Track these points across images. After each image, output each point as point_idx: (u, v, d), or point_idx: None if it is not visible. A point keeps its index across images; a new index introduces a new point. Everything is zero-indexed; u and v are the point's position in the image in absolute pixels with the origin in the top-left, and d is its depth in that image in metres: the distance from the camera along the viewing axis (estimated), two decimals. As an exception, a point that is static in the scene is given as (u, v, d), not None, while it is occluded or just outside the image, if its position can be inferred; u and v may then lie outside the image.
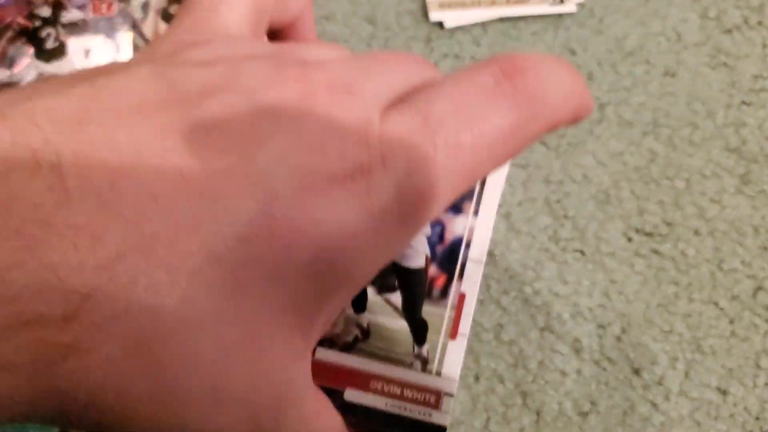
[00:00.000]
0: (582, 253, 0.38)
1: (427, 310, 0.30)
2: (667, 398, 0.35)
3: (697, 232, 0.39)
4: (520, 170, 0.39)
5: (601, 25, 0.44)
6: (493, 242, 0.37)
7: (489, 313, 0.36)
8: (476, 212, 0.31)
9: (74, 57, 0.40)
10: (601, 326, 0.36)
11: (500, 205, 0.39)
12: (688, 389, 0.36)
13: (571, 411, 0.35)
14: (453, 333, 0.30)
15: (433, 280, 0.30)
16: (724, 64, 0.43)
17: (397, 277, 0.30)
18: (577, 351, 0.36)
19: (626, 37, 0.43)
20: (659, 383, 0.36)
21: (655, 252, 0.38)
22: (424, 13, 0.43)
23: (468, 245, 0.30)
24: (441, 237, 0.30)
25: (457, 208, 0.31)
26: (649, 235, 0.38)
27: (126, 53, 0.40)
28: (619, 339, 0.36)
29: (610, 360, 0.36)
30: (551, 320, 0.36)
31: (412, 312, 0.30)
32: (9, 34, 0.41)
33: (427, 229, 0.30)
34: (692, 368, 0.36)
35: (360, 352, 0.29)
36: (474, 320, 0.35)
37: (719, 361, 0.36)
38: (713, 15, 0.44)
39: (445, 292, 0.30)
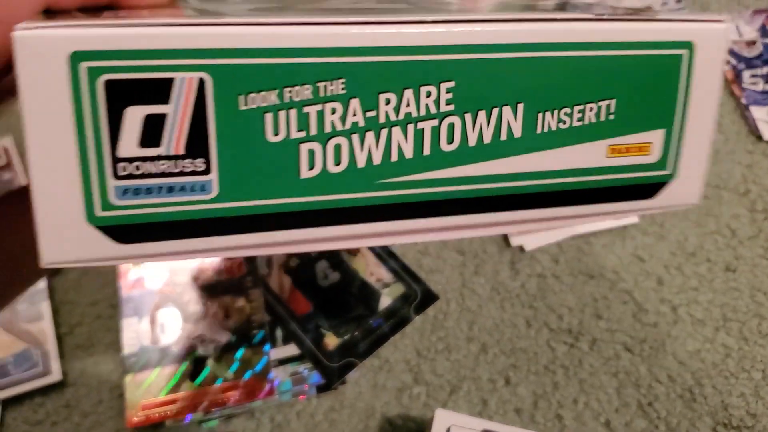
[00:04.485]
0: (679, 452, 0.43)
1: None
2: None
3: (779, 421, 0.43)
4: (612, 378, 0.45)
5: (662, 230, 0.50)
6: (598, 451, 0.42)
7: None
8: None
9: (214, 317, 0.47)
10: None
11: (599, 413, 0.44)
12: None
13: None
14: None
15: None
16: (778, 254, 0.48)
17: None
18: None
19: (686, 239, 0.49)
20: None
21: (745, 445, 0.43)
22: (506, 237, 0.50)
23: None
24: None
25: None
26: (736, 428, 0.43)
27: (258, 308, 0.47)
28: None
29: None
30: None
31: None
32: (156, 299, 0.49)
33: None
34: None
35: None
36: None
37: None
38: (761, 208, 0.50)
39: None
